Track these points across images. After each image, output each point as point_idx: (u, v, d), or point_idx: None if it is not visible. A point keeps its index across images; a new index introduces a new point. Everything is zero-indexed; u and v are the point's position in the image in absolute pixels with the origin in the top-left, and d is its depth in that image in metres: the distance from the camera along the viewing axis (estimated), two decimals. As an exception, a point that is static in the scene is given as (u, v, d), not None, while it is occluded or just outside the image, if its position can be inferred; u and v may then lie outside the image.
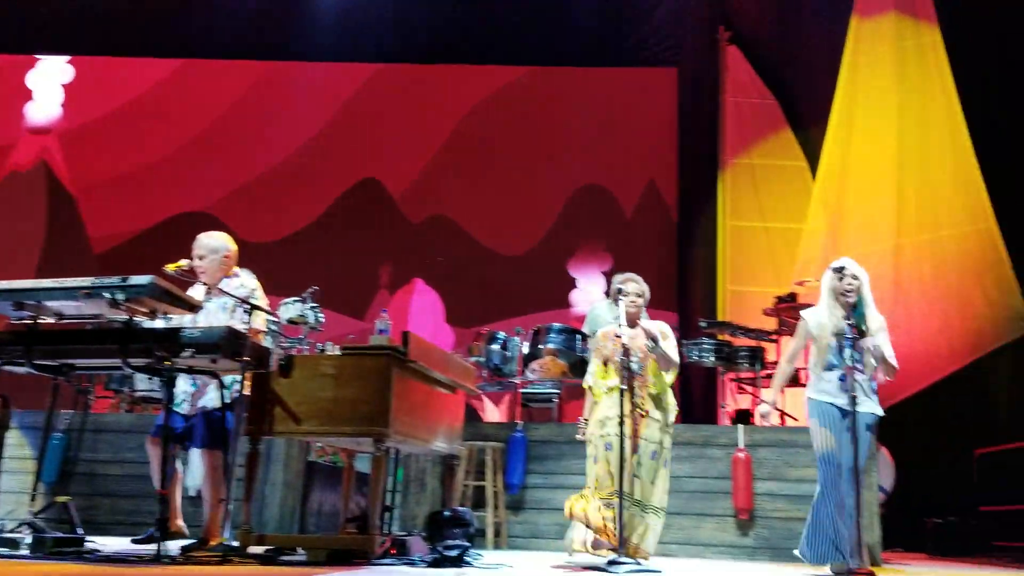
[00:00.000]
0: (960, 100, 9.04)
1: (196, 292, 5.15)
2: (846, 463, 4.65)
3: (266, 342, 5.12)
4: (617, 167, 11.49)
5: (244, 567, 4.18)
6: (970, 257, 8.95)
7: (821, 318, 4.88)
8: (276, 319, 7.22)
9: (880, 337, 4.84)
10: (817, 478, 4.86)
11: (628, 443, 4.88)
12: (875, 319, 4.87)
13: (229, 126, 11.78)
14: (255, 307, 4.87)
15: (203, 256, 5.11)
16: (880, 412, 4.86)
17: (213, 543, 4.73)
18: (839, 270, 4.87)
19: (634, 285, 5.28)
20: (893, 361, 4.83)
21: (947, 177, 9.07)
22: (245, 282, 5.14)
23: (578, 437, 5.24)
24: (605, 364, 5.22)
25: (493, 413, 10.53)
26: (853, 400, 4.62)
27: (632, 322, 5.23)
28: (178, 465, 5.43)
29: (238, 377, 4.80)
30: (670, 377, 5.29)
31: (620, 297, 5.20)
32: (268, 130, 11.68)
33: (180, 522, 5.22)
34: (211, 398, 4.93)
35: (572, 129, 11.57)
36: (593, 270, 10.63)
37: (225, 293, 4.99)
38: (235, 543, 4.52)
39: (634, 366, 5.06)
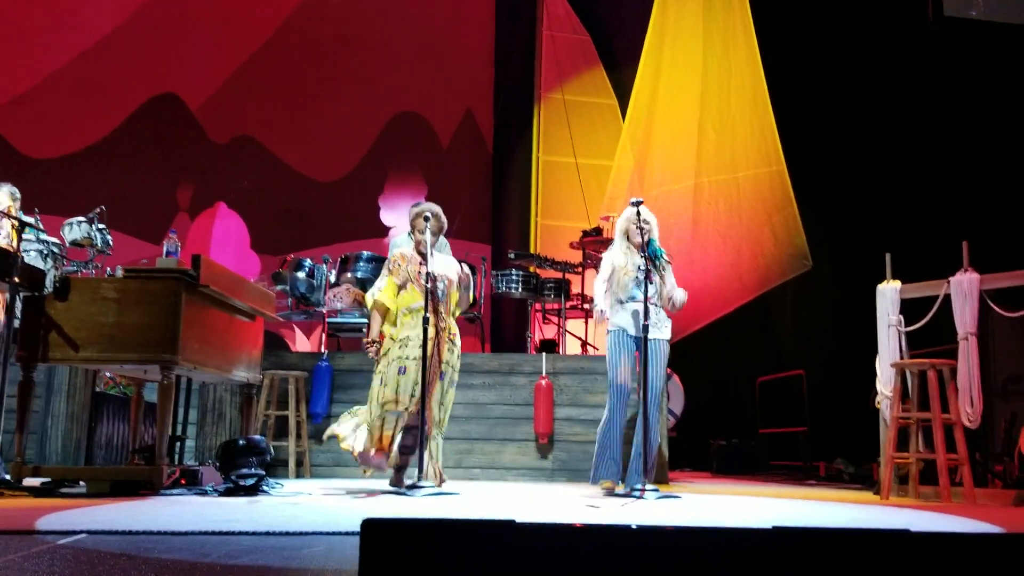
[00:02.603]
0: (759, 45, 9.50)
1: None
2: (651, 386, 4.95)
3: (39, 263, 4.73)
4: (434, 94, 11.33)
5: (14, 499, 3.91)
6: (761, 198, 9.51)
7: (617, 257, 5.23)
8: (59, 241, 6.71)
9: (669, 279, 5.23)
10: (607, 404, 5.14)
11: (429, 368, 4.91)
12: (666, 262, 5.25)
13: (6, 27, 10.60)
14: (25, 223, 4.47)
15: None
16: (667, 337, 5.17)
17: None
18: (630, 214, 5.21)
19: (434, 222, 5.28)
20: (678, 298, 5.25)
21: (745, 120, 9.54)
22: None
23: (371, 356, 5.12)
24: (402, 287, 5.13)
25: (304, 343, 10.32)
26: (646, 329, 4.86)
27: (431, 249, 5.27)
28: None
29: None
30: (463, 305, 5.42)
31: (424, 223, 5.17)
32: (50, 34, 10.61)
33: None
34: None
35: (389, 52, 11.26)
36: (407, 199, 10.50)
37: None
38: (7, 476, 4.23)
39: (440, 292, 5.11)
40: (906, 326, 5.70)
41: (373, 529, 1.16)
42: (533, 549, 1.13)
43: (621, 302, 5.19)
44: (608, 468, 5.14)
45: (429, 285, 4.90)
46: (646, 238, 5.12)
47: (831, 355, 9.08)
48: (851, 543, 1.23)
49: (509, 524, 1.16)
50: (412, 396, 4.85)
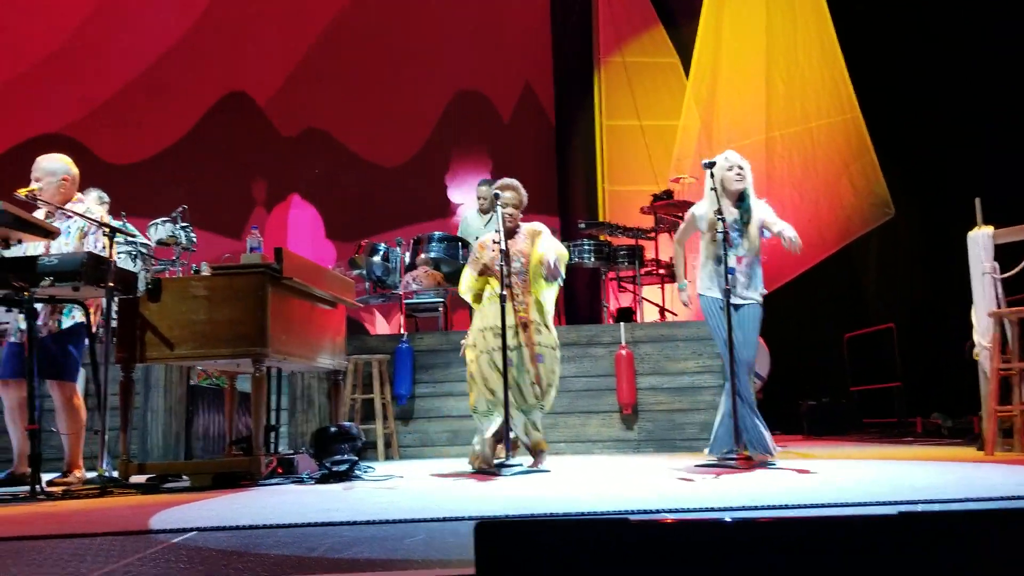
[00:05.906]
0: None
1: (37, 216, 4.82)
2: (737, 354, 4.59)
3: (128, 264, 4.89)
4: (492, 71, 11.28)
5: (124, 498, 4.06)
6: (837, 147, 9.24)
7: (706, 209, 4.80)
8: (147, 241, 6.92)
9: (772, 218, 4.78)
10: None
11: (524, 352, 4.83)
12: (758, 206, 4.83)
13: (84, 41, 10.90)
14: (116, 230, 4.60)
15: (39, 179, 4.79)
16: (757, 299, 4.88)
17: (78, 474, 4.61)
18: (722, 162, 4.77)
19: (511, 193, 5.19)
20: (792, 234, 4.71)
21: (814, 69, 9.25)
22: (91, 208, 4.86)
23: (463, 355, 5.07)
24: (482, 274, 5.06)
25: (383, 326, 10.46)
26: (728, 293, 4.61)
27: (510, 227, 5.14)
28: None
29: (73, 306, 4.62)
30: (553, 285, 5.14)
31: (497, 203, 5.11)
32: (123, 47, 10.89)
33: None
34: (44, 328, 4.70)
35: (444, 32, 11.24)
36: (473, 177, 10.50)
37: (68, 215, 4.69)
38: (115, 473, 4.39)
39: (515, 268, 4.96)
40: (1001, 273, 5.48)
41: (487, 531, 1.16)
42: (647, 546, 1.12)
43: (710, 262, 4.77)
44: (721, 437, 4.77)
45: (501, 265, 4.77)
46: (741, 186, 4.70)
47: (921, 306, 8.80)
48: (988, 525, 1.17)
49: (623, 522, 1.15)
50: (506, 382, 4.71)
